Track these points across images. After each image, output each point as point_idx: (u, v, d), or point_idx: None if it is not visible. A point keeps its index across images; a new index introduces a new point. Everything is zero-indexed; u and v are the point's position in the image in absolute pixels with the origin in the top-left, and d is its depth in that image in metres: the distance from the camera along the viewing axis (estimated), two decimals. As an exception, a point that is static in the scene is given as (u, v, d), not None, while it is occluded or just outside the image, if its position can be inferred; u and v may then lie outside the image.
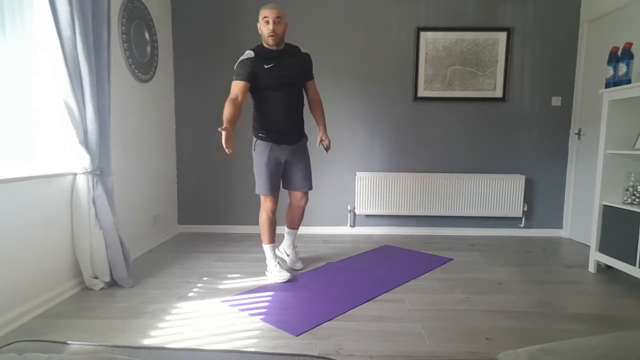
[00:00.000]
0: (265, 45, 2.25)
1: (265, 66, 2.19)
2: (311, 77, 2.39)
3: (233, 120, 1.99)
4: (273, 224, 2.42)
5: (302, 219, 2.58)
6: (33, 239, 1.90)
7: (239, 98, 2.10)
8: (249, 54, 2.20)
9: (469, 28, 3.37)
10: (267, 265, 2.47)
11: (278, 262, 2.43)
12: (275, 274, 2.36)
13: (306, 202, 2.50)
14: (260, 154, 2.31)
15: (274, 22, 2.14)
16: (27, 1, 1.94)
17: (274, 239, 2.45)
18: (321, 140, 2.37)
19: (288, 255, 2.63)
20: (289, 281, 2.34)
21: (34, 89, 2.01)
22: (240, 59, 2.20)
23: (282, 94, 2.25)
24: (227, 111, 2.00)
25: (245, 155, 3.51)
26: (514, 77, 3.43)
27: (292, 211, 2.52)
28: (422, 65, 3.42)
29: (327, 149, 2.40)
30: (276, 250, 2.61)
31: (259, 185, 2.33)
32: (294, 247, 2.63)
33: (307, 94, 2.42)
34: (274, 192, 2.35)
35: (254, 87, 2.22)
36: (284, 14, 2.21)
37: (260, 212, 2.41)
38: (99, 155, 2.18)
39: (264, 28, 2.17)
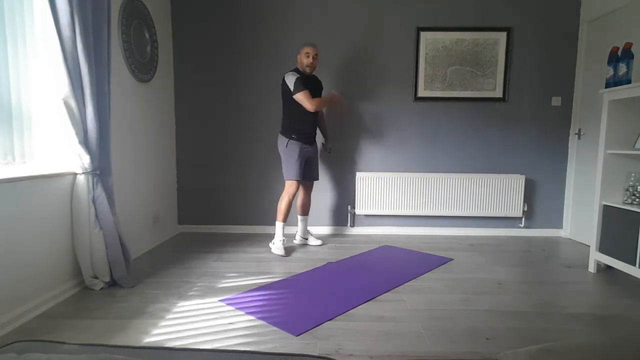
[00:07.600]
0: (300, 70, 2.90)
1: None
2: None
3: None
4: (289, 207, 2.97)
5: (310, 205, 3.21)
6: (33, 239, 1.90)
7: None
8: (298, 74, 2.83)
9: (469, 28, 3.37)
10: (273, 240, 2.97)
11: (283, 239, 2.95)
12: (278, 247, 2.90)
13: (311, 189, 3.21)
14: (292, 150, 2.90)
15: (313, 57, 2.85)
16: (27, 1, 1.94)
17: (286, 218, 2.99)
18: (328, 147, 3.15)
19: (307, 239, 3.19)
20: (286, 256, 2.87)
21: (34, 89, 2.01)
22: (296, 77, 2.81)
23: None
24: (319, 100, 2.88)
25: (244, 156, 3.52)
26: (514, 77, 3.43)
27: (303, 198, 3.13)
28: (422, 65, 3.42)
29: (329, 150, 3.18)
30: (295, 239, 3.23)
31: (290, 173, 2.91)
32: (307, 231, 3.21)
33: None
34: (300, 179, 2.95)
35: (292, 99, 2.81)
36: (319, 52, 2.94)
37: (283, 196, 2.95)
38: (98, 155, 2.18)
39: (305, 59, 2.84)
